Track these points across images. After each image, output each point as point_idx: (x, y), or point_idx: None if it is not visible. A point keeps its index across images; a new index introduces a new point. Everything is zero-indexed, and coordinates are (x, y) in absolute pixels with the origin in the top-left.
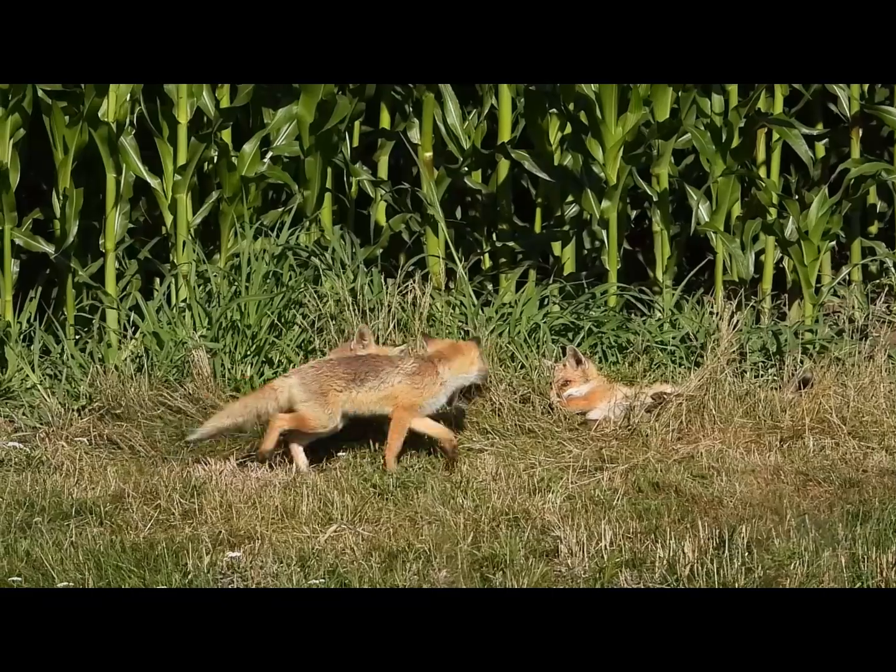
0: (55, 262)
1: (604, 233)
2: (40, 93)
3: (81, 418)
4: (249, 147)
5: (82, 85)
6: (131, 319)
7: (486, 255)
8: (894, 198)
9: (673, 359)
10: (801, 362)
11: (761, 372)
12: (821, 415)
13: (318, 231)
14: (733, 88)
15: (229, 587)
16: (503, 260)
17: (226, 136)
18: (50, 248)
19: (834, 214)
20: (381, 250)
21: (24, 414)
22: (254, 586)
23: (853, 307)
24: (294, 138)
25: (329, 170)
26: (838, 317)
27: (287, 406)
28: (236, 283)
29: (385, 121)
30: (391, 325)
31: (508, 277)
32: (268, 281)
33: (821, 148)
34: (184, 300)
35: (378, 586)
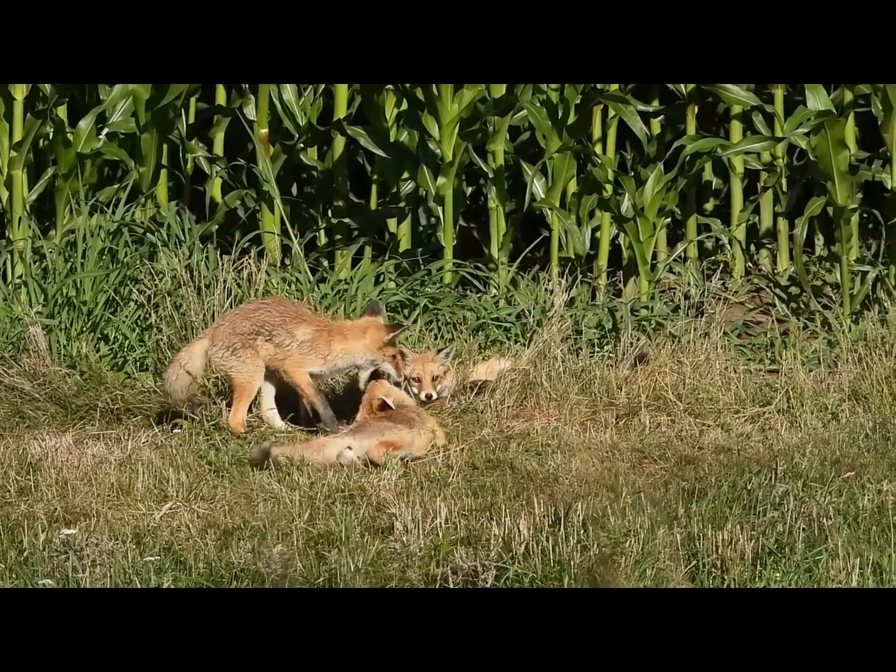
0: None
1: (439, 209)
2: None
3: None
4: (85, 123)
5: None
6: None
7: (322, 232)
8: (729, 175)
9: (508, 335)
10: (637, 339)
11: (597, 349)
12: (657, 392)
13: (153, 207)
14: None
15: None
16: (339, 236)
17: (61, 112)
18: None
19: (669, 191)
20: (216, 227)
21: None
22: (89, 563)
23: (689, 284)
24: (130, 115)
25: (165, 146)
26: (674, 293)
27: None
28: (72, 260)
29: (221, 97)
30: (227, 302)
31: (344, 254)
32: (103, 257)
33: (656, 125)
34: (19, 276)
35: (213, 563)
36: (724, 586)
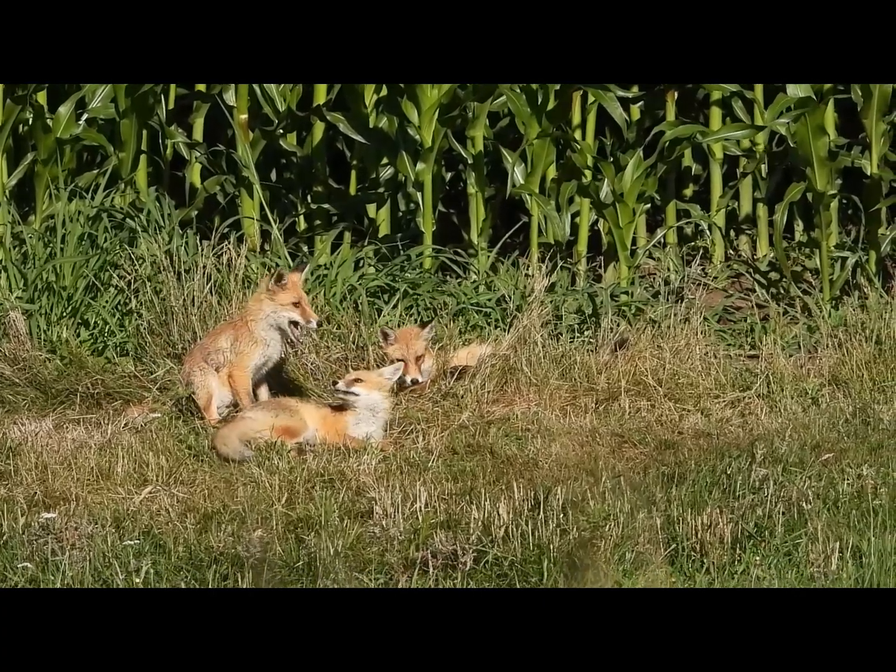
0: None
1: (419, 195)
2: None
3: None
4: (65, 109)
5: None
6: None
7: (302, 217)
8: (709, 160)
9: (488, 321)
10: (617, 324)
11: (577, 334)
12: (637, 377)
13: (133, 193)
14: None
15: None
16: (318, 222)
17: (41, 97)
18: None
19: (649, 177)
20: (196, 212)
21: None
22: (68, 547)
23: (668, 269)
24: (109, 101)
25: (144, 132)
26: (654, 279)
27: None
28: (52, 245)
29: (201, 84)
30: (207, 287)
31: (324, 239)
32: (83, 242)
33: (636, 111)
34: None
35: (193, 547)
36: (703, 570)
